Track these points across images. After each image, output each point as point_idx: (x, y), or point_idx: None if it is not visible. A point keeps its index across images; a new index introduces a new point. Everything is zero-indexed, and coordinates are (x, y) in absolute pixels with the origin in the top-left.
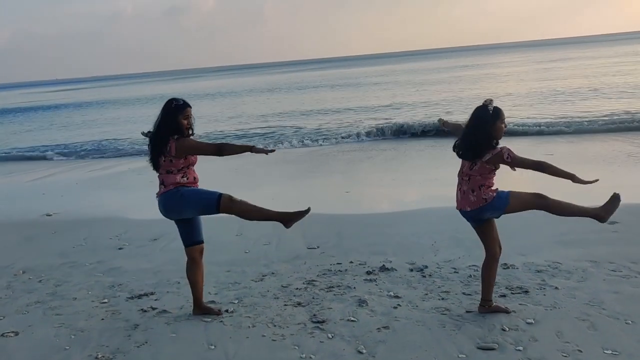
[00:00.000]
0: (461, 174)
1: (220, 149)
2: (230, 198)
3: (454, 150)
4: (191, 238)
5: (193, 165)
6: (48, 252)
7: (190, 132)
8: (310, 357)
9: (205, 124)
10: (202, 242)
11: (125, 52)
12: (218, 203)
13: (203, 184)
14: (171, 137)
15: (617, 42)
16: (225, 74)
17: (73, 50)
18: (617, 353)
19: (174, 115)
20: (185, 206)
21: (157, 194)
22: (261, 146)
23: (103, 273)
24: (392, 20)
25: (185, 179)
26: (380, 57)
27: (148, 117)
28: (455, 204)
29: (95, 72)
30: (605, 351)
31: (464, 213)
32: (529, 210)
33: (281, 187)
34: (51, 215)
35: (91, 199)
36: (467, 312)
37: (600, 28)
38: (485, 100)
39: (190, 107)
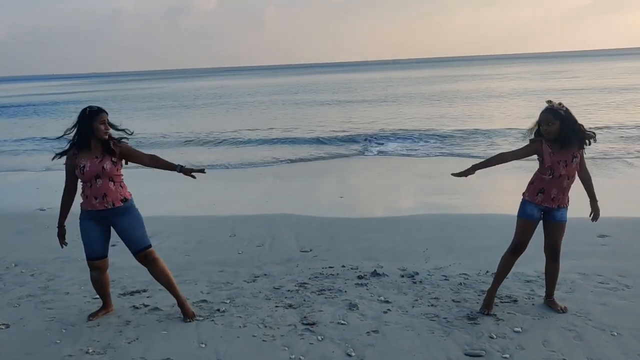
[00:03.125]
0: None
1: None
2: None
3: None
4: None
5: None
6: (41, 247)
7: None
8: (300, 359)
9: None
10: (136, 252)
11: (123, 50)
12: None
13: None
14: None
15: (619, 58)
16: (223, 76)
17: (72, 46)
18: None
19: (90, 121)
20: None
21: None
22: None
23: None
24: (390, 29)
25: (83, 194)
26: (378, 64)
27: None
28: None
29: (93, 69)
30: None
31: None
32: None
33: (274, 188)
34: (44, 210)
35: None
36: (456, 319)
37: (600, 43)
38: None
39: (106, 113)
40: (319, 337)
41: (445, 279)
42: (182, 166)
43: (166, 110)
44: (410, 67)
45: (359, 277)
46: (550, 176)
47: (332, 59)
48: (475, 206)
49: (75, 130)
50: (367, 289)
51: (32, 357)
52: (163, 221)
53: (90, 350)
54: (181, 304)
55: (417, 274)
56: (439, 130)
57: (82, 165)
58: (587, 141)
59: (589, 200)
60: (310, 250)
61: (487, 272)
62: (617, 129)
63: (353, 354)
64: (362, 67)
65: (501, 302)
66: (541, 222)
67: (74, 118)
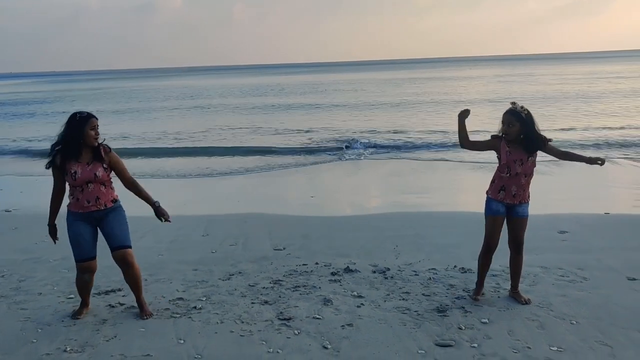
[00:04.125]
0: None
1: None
2: (78, 272)
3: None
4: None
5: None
6: (9, 248)
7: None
8: (278, 352)
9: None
10: (117, 247)
11: (86, 48)
12: None
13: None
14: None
15: (589, 61)
16: (192, 75)
17: (30, 43)
18: (562, 350)
19: (81, 127)
20: None
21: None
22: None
23: (68, 269)
24: (363, 29)
25: (73, 198)
26: (351, 64)
27: None
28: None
29: (54, 67)
30: (552, 348)
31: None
32: (483, 220)
33: (246, 189)
34: (10, 211)
35: None
36: (426, 311)
37: (573, 46)
38: (516, 105)
39: (96, 119)
40: (296, 331)
41: (415, 274)
42: (159, 205)
43: (134, 113)
44: (382, 68)
45: (332, 274)
46: (508, 174)
47: (303, 59)
48: (442, 204)
49: (63, 135)
50: (340, 285)
51: (10, 357)
52: (136, 221)
53: (68, 349)
54: (141, 305)
55: (388, 269)
56: (409, 134)
57: (73, 172)
58: (541, 146)
59: (588, 163)
60: (284, 249)
61: (455, 267)
62: (577, 131)
63: (329, 346)
64: (335, 67)
65: (469, 295)
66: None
67: (61, 123)
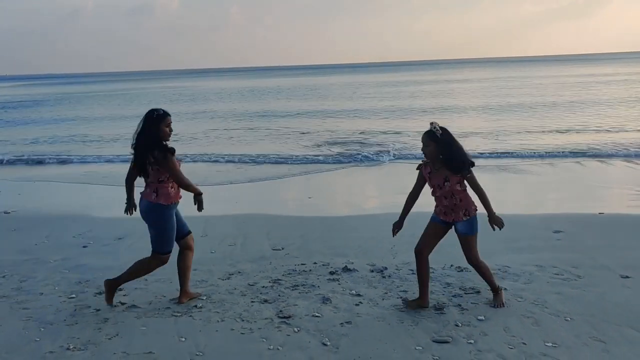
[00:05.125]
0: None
1: (186, 187)
2: (159, 263)
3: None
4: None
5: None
6: (9, 249)
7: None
8: (278, 349)
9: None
10: (187, 233)
11: (84, 50)
12: (154, 253)
13: None
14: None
15: (585, 62)
16: (191, 77)
17: (28, 45)
18: (556, 345)
19: (157, 124)
20: (150, 225)
21: (146, 196)
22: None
23: (69, 270)
24: (360, 32)
25: (173, 189)
26: (348, 66)
27: None
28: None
29: (50, 70)
30: (547, 344)
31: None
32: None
33: (243, 191)
34: (9, 212)
35: (51, 197)
36: (423, 309)
37: (568, 48)
38: (433, 125)
39: (170, 116)
40: (295, 329)
41: (413, 273)
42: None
43: (133, 116)
44: (379, 70)
45: (331, 273)
46: (433, 194)
47: (298, 61)
48: None
49: (151, 133)
50: (339, 284)
51: (14, 356)
52: (134, 222)
53: (71, 347)
54: (191, 294)
55: (386, 268)
56: (405, 136)
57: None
58: (461, 169)
59: (489, 217)
60: (282, 249)
61: (451, 266)
62: (574, 132)
63: (328, 343)
64: (331, 69)
65: (465, 293)
66: None
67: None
